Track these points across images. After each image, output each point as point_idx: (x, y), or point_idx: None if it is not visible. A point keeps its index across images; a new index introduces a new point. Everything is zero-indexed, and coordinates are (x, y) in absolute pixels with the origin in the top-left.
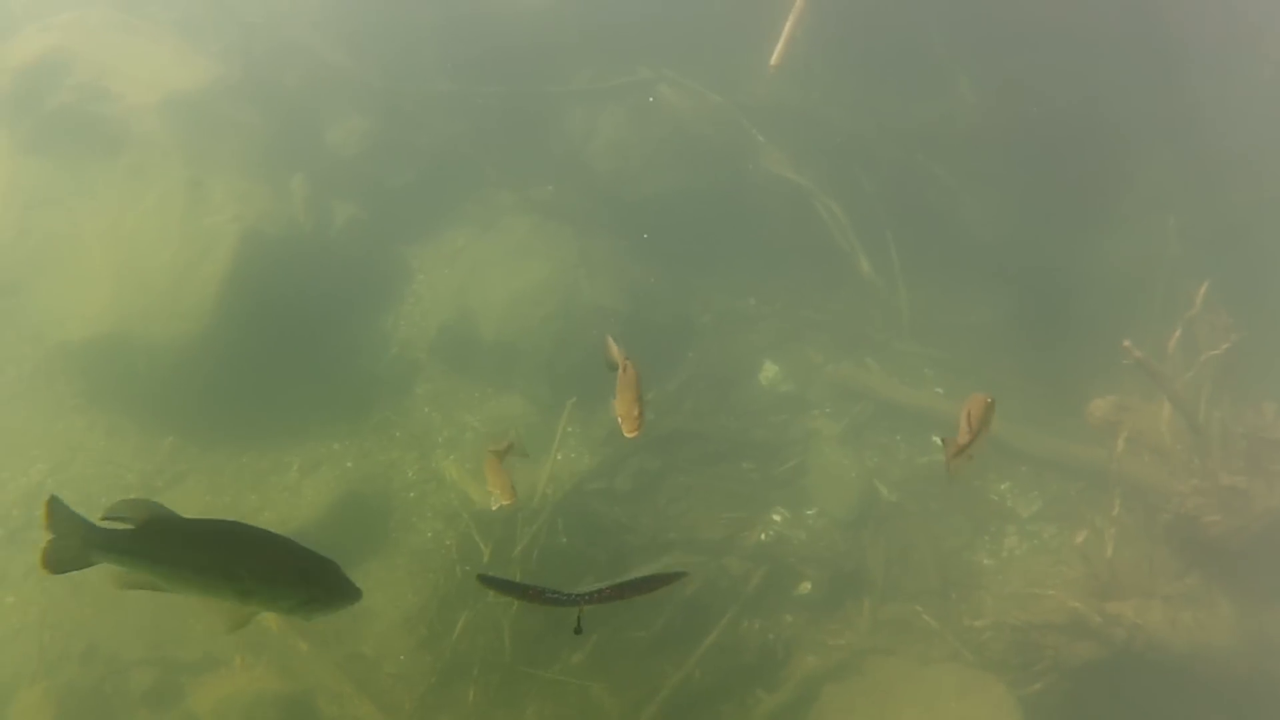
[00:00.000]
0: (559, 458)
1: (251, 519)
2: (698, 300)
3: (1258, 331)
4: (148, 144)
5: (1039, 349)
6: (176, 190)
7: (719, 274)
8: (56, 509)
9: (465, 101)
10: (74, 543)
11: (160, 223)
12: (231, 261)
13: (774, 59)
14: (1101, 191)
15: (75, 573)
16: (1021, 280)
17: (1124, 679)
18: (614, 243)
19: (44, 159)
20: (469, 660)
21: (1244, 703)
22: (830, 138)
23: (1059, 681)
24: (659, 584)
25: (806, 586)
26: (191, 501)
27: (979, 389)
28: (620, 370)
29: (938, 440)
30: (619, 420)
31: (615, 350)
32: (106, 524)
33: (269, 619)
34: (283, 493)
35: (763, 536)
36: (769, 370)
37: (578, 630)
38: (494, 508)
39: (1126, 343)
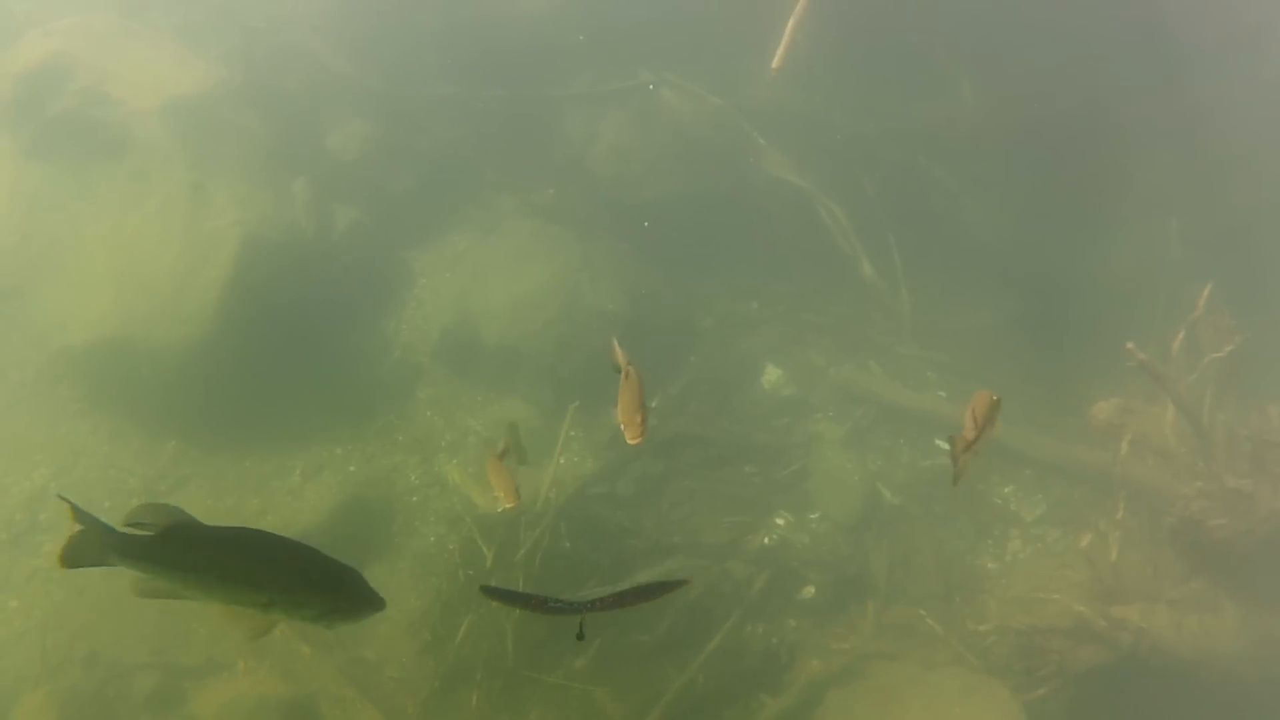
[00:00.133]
0: (562, 462)
1: (254, 523)
2: (700, 304)
3: (1261, 333)
4: (149, 149)
5: (1042, 352)
6: (178, 195)
7: (721, 277)
8: (79, 512)
9: (466, 105)
10: (93, 544)
11: (162, 227)
12: (233, 266)
13: (775, 62)
14: (1103, 193)
15: (79, 577)
16: (1024, 283)
17: (1129, 684)
18: (616, 246)
19: (46, 164)
20: (472, 665)
21: (1249, 708)
22: (832, 140)
23: (1064, 686)
24: (661, 591)
25: (810, 590)
26: (194, 506)
27: (983, 390)
28: (623, 376)
29: (941, 443)
30: (621, 427)
31: (619, 354)
32: (128, 529)
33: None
34: (285, 497)
35: (766, 540)
36: (771, 374)
37: (580, 637)
38: (499, 510)
39: (1130, 345)
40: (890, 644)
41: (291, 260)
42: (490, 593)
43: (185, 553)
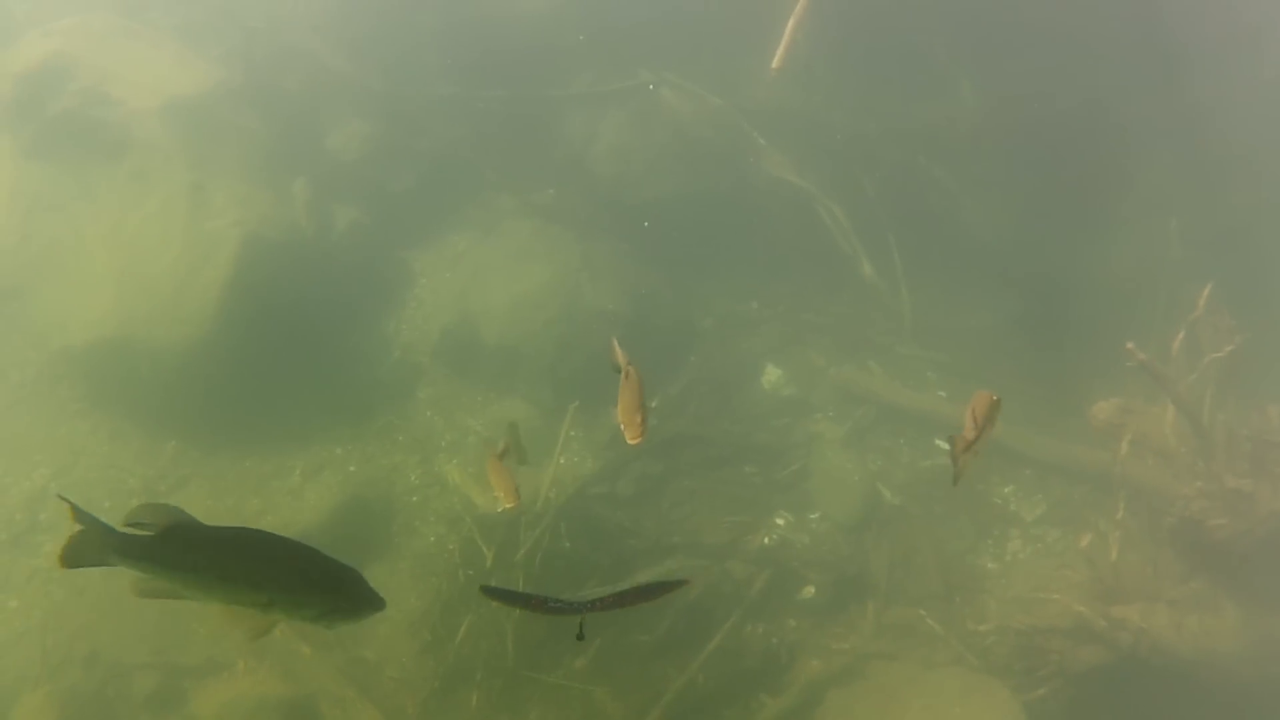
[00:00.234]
0: (562, 462)
1: (254, 523)
2: (700, 304)
3: (1261, 333)
4: (149, 149)
5: (1042, 352)
6: (178, 195)
7: (721, 277)
8: (79, 513)
9: (466, 106)
10: (93, 544)
11: (162, 227)
12: (233, 266)
13: (775, 62)
14: (1103, 193)
15: (79, 577)
16: (1024, 283)
17: (1129, 684)
18: (616, 246)
19: (46, 164)
20: (472, 665)
21: (1250, 708)
22: (832, 140)
23: (1064, 686)
24: (661, 592)
25: (810, 590)
26: (194, 506)
27: (983, 390)
28: (622, 376)
29: (941, 443)
30: (621, 427)
31: (620, 354)
32: (128, 529)
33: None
34: (285, 497)
35: (766, 540)
36: (771, 374)
37: (580, 637)
38: (499, 510)
39: (1130, 345)
40: (890, 644)
41: (291, 260)
42: (490, 593)
43: (185, 553)
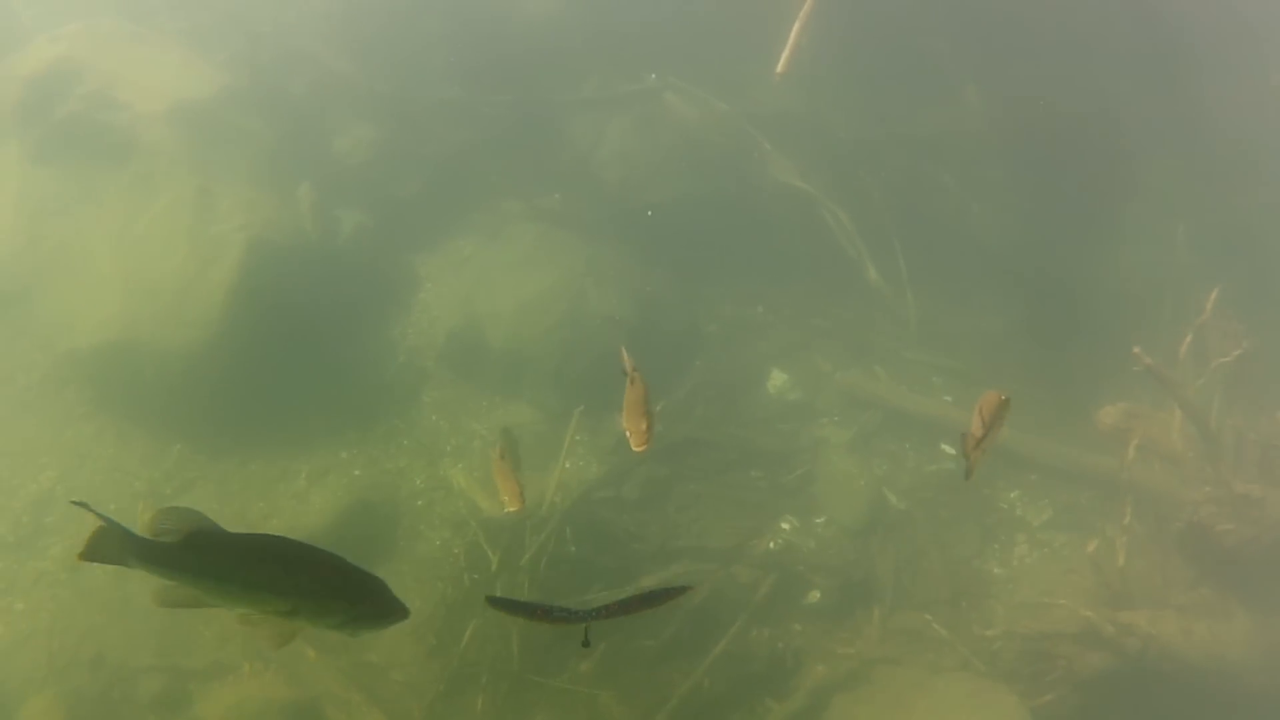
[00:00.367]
0: (567, 466)
1: (259, 527)
2: (705, 308)
3: (1269, 338)
4: (155, 152)
5: (1048, 356)
6: (184, 199)
7: (726, 282)
8: (101, 518)
9: (472, 110)
10: (113, 545)
11: (168, 231)
12: (239, 270)
13: (780, 66)
14: (1110, 198)
15: (85, 579)
16: (1030, 287)
17: (1137, 690)
18: (621, 251)
19: (53, 168)
20: (477, 668)
21: (1260, 716)
22: (837, 145)
23: (1071, 692)
24: (664, 598)
25: (816, 595)
26: (200, 509)
27: (992, 390)
28: (628, 383)
29: (948, 449)
30: (627, 434)
31: (627, 360)
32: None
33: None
34: (290, 500)
35: (771, 545)
36: (777, 378)
37: (585, 644)
38: (505, 511)
39: (1136, 349)
40: (896, 649)
41: (297, 264)
42: (495, 603)
43: (209, 559)
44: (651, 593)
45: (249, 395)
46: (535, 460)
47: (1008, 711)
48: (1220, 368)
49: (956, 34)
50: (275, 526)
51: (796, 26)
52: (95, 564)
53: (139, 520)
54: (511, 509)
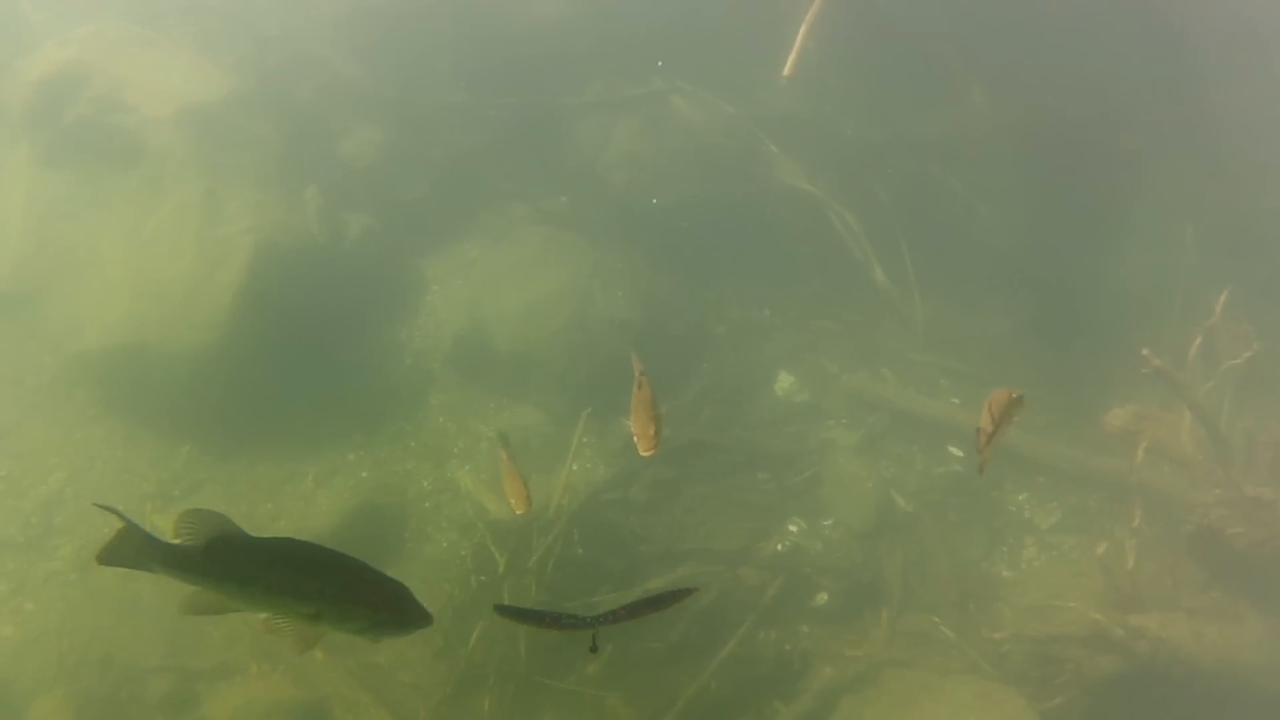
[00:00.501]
0: (574, 468)
1: (267, 528)
2: (712, 311)
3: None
4: (163, 156)
5: (1055, 358)
6: (192, 201)
7: (733, 284)
8: (124, 520)
9: (479, 113)
10: (133, 548)
11: (176, 233)
12: (246, 272)
13: (787, 69)
14: (1118, 200)
15: (94, 580)
16: (1038, 290)
17: (1147, 694)
18: (628, 253)
19: (63, 171)
20: (484, 670)
21: None
22: (844, 148)
23: (1080, 695)
24: (671, 601)
25: (823, 597)
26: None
27: (1003, 388)
28: (635, 388)
29: (955, 450)
30: (635, 439)
31: (636, 364)
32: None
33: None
34: (298, 502)
35: (779, 547)
36: (784, 381)
37: (593, 649)
38: (517, 512)
39: (1145, 351)
40: (904, 651)
41: (304, 267)
42: (504, 611)
43: (231, 564)
44: (658, 596)
45: (257, 397)
46: (543, 462)
47: (1016, 714)
48: (1230, 370)
49: (963, 36)
50: (282, 528)
51: (803, 29)
52: (103, 565)
53: (148, 521)
54: (519, 512)
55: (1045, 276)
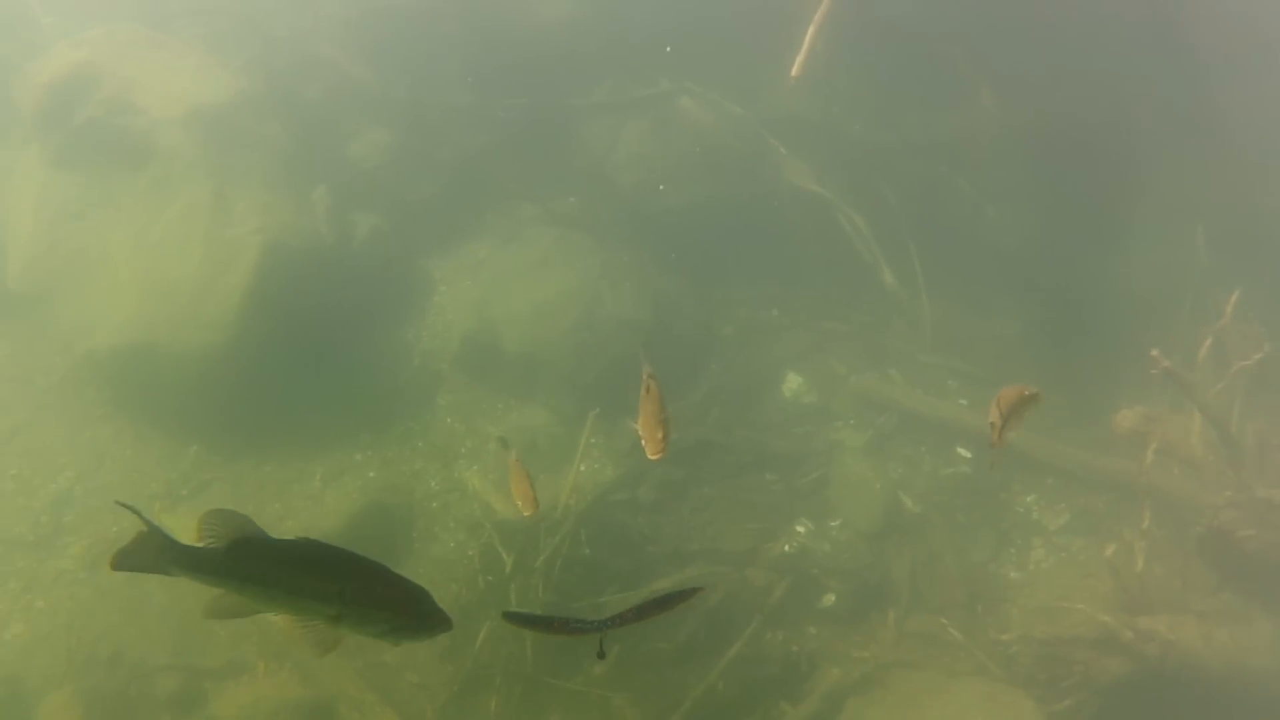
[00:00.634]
0: (582, 469)
1: (274, 528)
2: (720, 311)
3: None
4: (172, 156)
5: (1064, 360)
6: (200, 202)
7: (742, 285)
8: (145, 521)
9: (487, 114)
10: (150, 552)
11: (184, 234)
12: (255, 273)
13: (795, 70)
14: (1128, 201)
15: (102, 578)
16: (1046, 291)
17: (1156, 697)
18: (636, 254)
19: (73, 172)
20: (491, 670)
21: None
22: (852, 149)
23: (1088, 698)
24: (676, 601)
25: (830, 598)
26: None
27: (1018, 384)
28: (643, 390)
29: (963, 452)
30: (643, 442)
31: (644, 366)
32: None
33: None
34: (305, 502)
35: (786, 548)
36: (792, 381)
37: (601, 655)
38: (525, 514)
39: (1155, 352)
40: (911, 653)
41: (312, 267)
42: (512, 618)
43: (253, 566)
44: (664, 596)
45: (265, 397)
46: (550, 463)
47: (1024, 717)
48: (1241, 371)
49: (972, 38)
50: (290, 528)
51: (811, 30)
52: (117, 570)
53: (154, 521)
54: (526, 514)
55: (1054, 278)
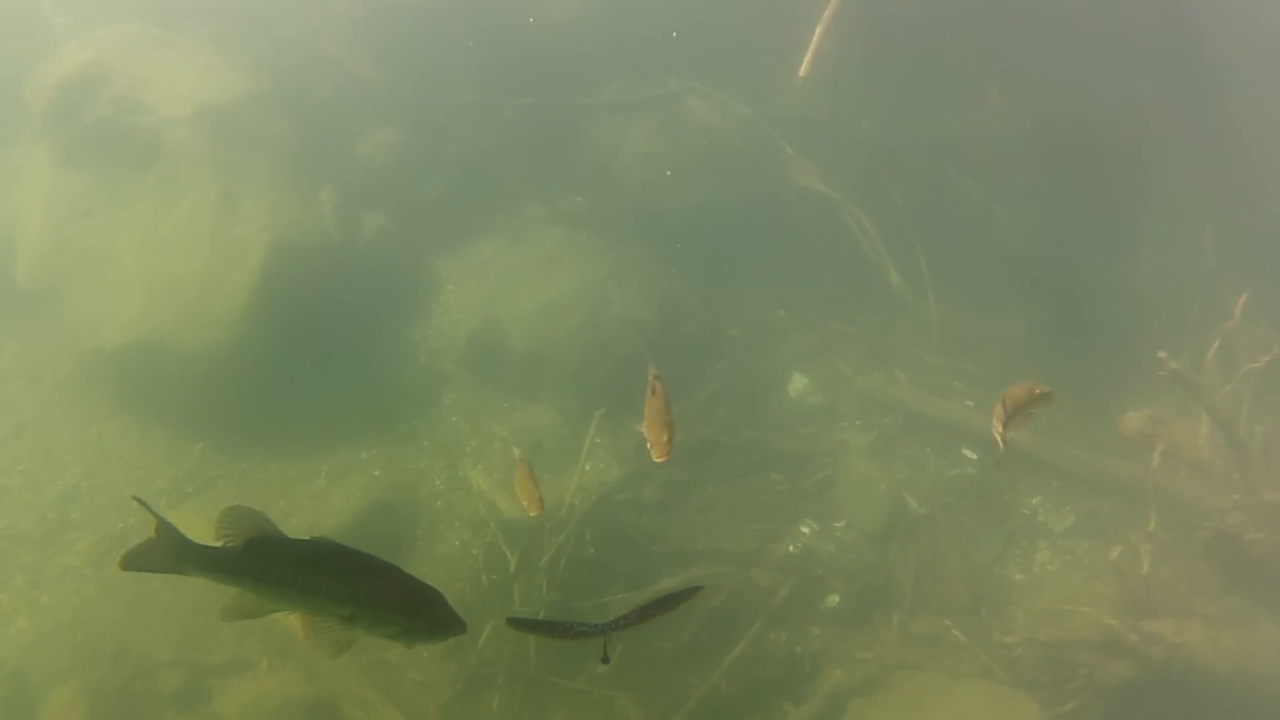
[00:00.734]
0: (587, 468)
1: (280, 526)
2: (727, 312)
3: None
4: (180, 155)
5: (1071, 361)
6: (208, 201)
7: (748, 286)
8: (159, 521)
9: (495, 113)
10: (162, 552)
11: (192, 233)
12: (261, 271)
13: (802, 70)
14: (1136, 202)
15: (107, 574)
16: (1053, 292)
17: (1161, 700)
18: (643, 254)
19: (81, 171)
20: (494, 669)
21: None
22: (859, 149)
23: (1093, 701)
24: (678, 601)
25: (834, 599)
26: (220, 508)
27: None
28: (649, 393)
29: (969, 453)
30: (648, 445)
31: (650, 368)
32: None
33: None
34: (310, 500)
35: (791, 548)
36: (798, 382)
37: (605, 660)
38: (532, 514)
39: (1162, 354)
40: (915, 654)
41: (319, 266)
42: (516, 624)
43: (268, 566)
44: (666, 596)
45: (270, 395)
46: (556, 462)
47: (1028, 719)
48: (1249, 373)
49: (980, 38)
50: (295, 526)
51: (819, 30)
52: (127, 570)
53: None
54: (532, 514)
55: (1061, 279)
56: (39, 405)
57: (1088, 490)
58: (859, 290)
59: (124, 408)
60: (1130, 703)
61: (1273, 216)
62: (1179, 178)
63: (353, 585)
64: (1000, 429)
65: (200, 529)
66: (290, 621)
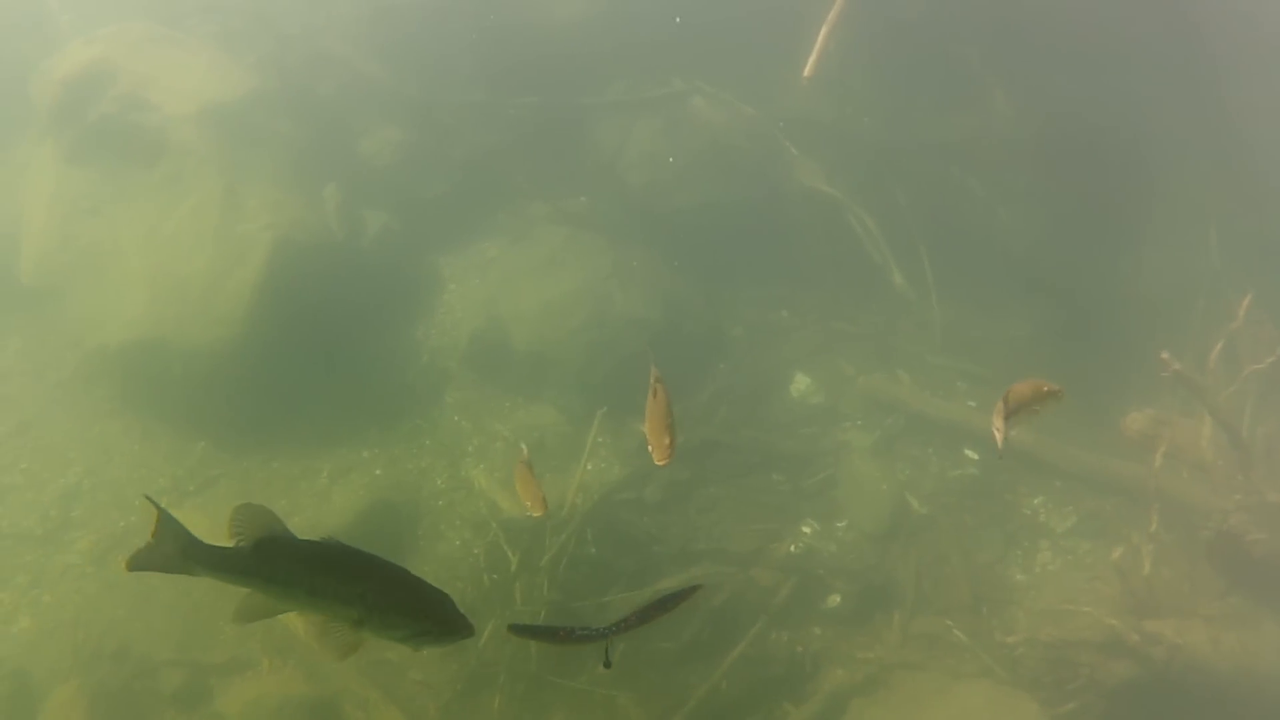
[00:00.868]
0: (589, 468)
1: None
2: (730, 312)
3: None
4: (184, 153)
5: (1074, 362)
6: (212, 198)
7: (751, 286)
8: (166, 519)
9: (499, 112)
10: (169, 552)
11: (196, 230)
12: (265, 269)
13: (807, 71)
14: (1140, 204)
15: (109, 573)
16: (1057, 292)
17: (1163, 701)
18: (647, 254)
19: (86, 168)
20: (495, 668)
21: None
22: (863, 150)
23: (1094, 701)
24: (678, 600)
25: (835, 599)
26: (222, 506)
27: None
28: (650, 395)
29: (971, 454)
30: (650, 447)
31: (652, 370)
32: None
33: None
34: (312, 498)
35: (792, 548)
36: (800, 382)
37: (607, 664)
38: (534, 514)
39: (1165, 354)
40: (916, 654)
41: (322, 264)
42: (518, 630)
43: (277, 566)
44: (666, 597)
45: (273, 394)
46: (558, 462)
47: (1029, 719)
48: (1253, 374)
49: (985, 39)
50: (297, 524)
51: (824, 30)
52: (133, 570)
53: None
54: (534, 514)
55: (1065, 280)
56: (41, 403)
57: (1090, 490)
58: (862, 290)
59: (126, 406)
60: (1132, 703)
61: (1277, 217)
62: (1183, 178)
63: (361, 587)
64: (1000, 424)
65: (202, 527)
66: (291, 621)
